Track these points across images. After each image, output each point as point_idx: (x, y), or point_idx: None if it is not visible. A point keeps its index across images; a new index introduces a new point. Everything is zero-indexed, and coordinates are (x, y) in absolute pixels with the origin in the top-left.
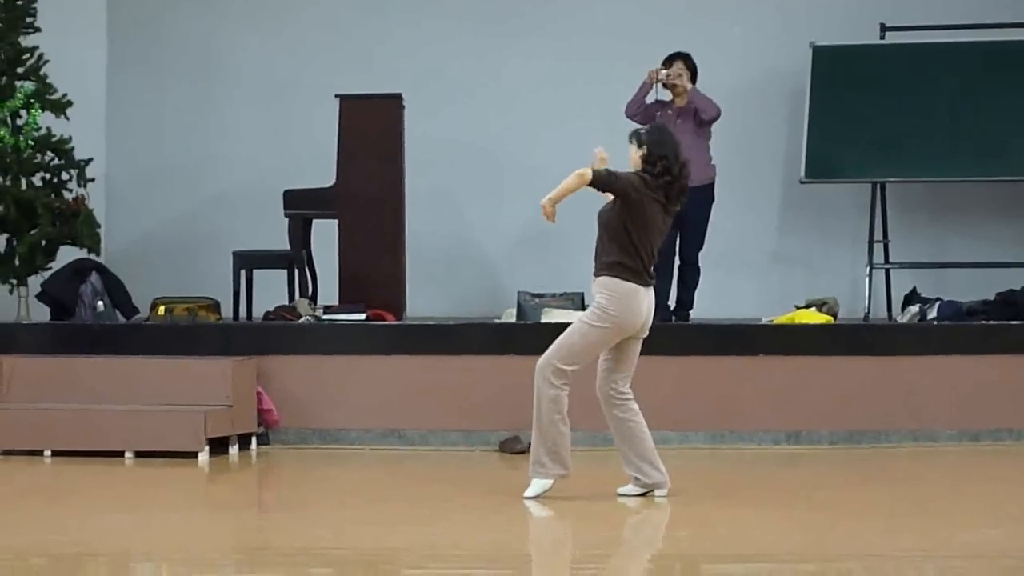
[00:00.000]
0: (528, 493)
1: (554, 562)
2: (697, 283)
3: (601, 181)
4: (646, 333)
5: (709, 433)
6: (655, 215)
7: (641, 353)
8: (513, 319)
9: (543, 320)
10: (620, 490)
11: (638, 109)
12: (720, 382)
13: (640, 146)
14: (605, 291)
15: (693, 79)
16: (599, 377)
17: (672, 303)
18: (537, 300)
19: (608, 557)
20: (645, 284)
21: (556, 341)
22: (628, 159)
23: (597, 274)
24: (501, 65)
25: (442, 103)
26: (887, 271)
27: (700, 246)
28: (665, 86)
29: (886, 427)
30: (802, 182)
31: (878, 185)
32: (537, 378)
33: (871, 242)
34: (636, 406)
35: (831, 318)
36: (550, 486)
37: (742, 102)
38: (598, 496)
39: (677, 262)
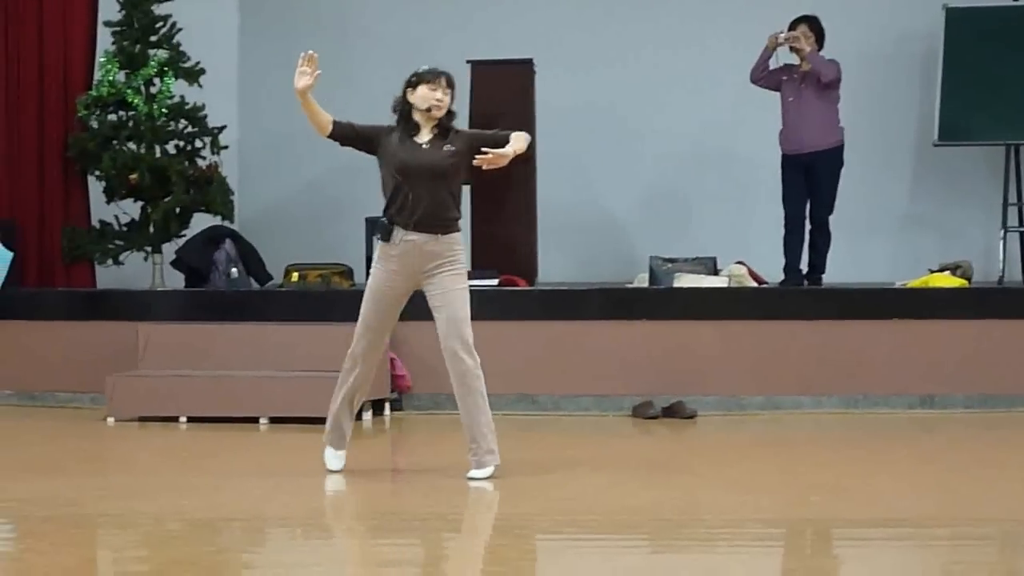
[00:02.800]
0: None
1: (690, 527)
2: (828, 246)
3: None
4: None
5: (842, 398)
6: None
7: (773, 317)
8: (645, 284)
9: (675, 285)
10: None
11: (762, 73)
12: (853, 346)
13: (453, 97)
14: (459, 246)
15: (820, 42)
16: (381, 336)
17: (804, 267)
18: (669, 265)
19: (744, 522)
20: None
21: (463, 316)
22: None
23: (447, 231)
24: (630, 28)
25: (571, 67)
26: (1021, 234)
27: (830, 209)
28: (792, 50)
29: (1022, 391)
30: (935, 145)
31: (1012, 147)
32: (468, 359)
33: (1005, 205)
34: None
35: (965, 282)
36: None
37: (873, 66)
38: (722, 462)
39: (808, 226)
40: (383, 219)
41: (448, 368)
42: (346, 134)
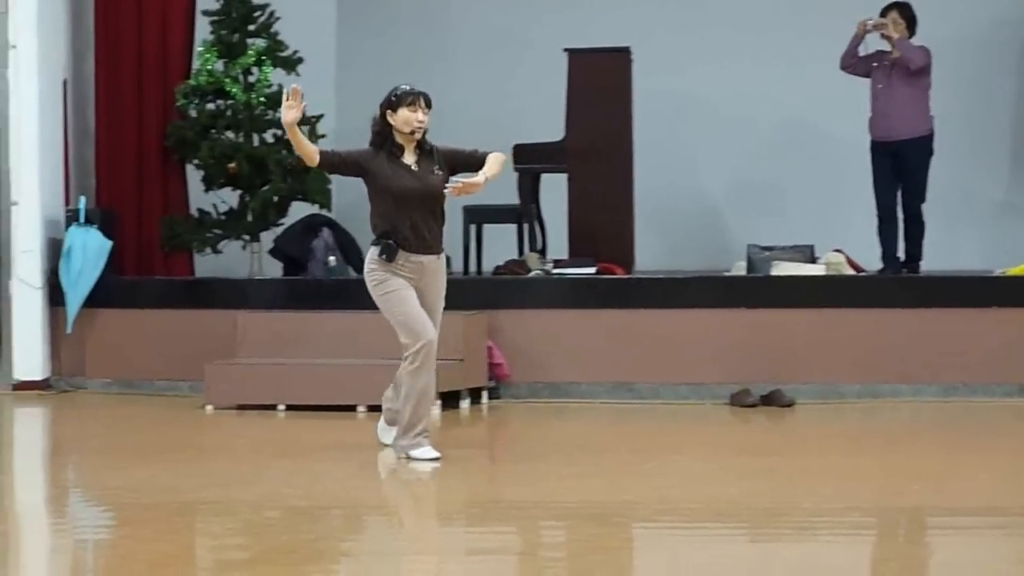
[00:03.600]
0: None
1: (788, 516)
2: (922, 235)
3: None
4: None
5: (941, 386)
6: None
7: (871, 305)
8: (743, 272)
9: (773, 273)
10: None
11: (852, 60)
12: (952, 335)
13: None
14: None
15: (911, 29)
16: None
17: (901, 256)
18: (767, 253)
19: (844, 511)
20: None
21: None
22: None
23: (442, 248)
24: (726, 15)
25: (668, 55)
26: None
27: (922, 199)
28: (882, 36)
29: None
30: None
31: None
32: (432, 356)
33: None
34: None
35: None
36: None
37: (967, 52)
38: (820, 450)
39: (901, 215)
40: (389, 241)
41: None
42: (333, 162)
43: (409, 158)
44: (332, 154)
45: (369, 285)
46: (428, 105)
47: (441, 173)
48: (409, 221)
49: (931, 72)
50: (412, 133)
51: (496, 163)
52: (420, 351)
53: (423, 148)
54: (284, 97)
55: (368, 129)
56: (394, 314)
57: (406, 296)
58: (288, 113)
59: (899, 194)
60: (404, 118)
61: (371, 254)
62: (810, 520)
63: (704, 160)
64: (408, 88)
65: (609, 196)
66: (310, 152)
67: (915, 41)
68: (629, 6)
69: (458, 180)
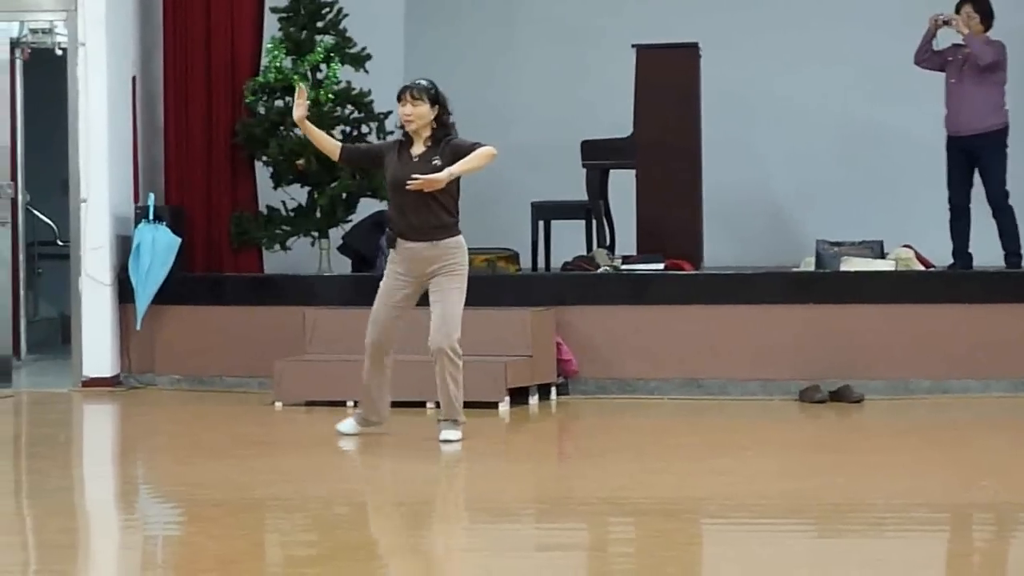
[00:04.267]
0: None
1: (858, 512)
2: (1015, 225)
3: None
4: None
5: (1011, 382)
6: None
7: (940, 301)
8: (812, 267)
9: (842, 268)
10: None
11: (925, 55)
12: (1022, 329)
13: (434, 105)
14: (458, 249)
15: (986, 23)
16: (389, 332)
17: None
18: (836, 248)
19: (914, 506)
20: None
21: (454, 313)
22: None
23: (443, 237)
24: (795, 9)
25: (736, 50)
26: None
27: (1002, 191)
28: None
29: None
30: None
31: None
32: (451, 361)
33: None
34: None
35: None
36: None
37: None
38: (889, 446)
39: (986, 210)
40: (389, 229)
41: (433, 357)
42: (353, 155)
43: (417, 149)
44: (353, 148)
45: None
46: (419, 98)
47: (438, 163)
48: (402, 208)
49: (1006, 67)
50: (409, 126)
51: (474, 159)
52: (366, 348)
53: (436, 140)
54: (296, 96)
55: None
56: None
57: (383, 292)
58: (297, 111)
59: (971, 189)
60: (398, 112)
61: None
62: (880, 516)
63: (772, 155)
64: (406, 83)
65: (677, 192)
66: (331, 147)
67: (992, 34)
68: (699, 2)
69: (419, 176)
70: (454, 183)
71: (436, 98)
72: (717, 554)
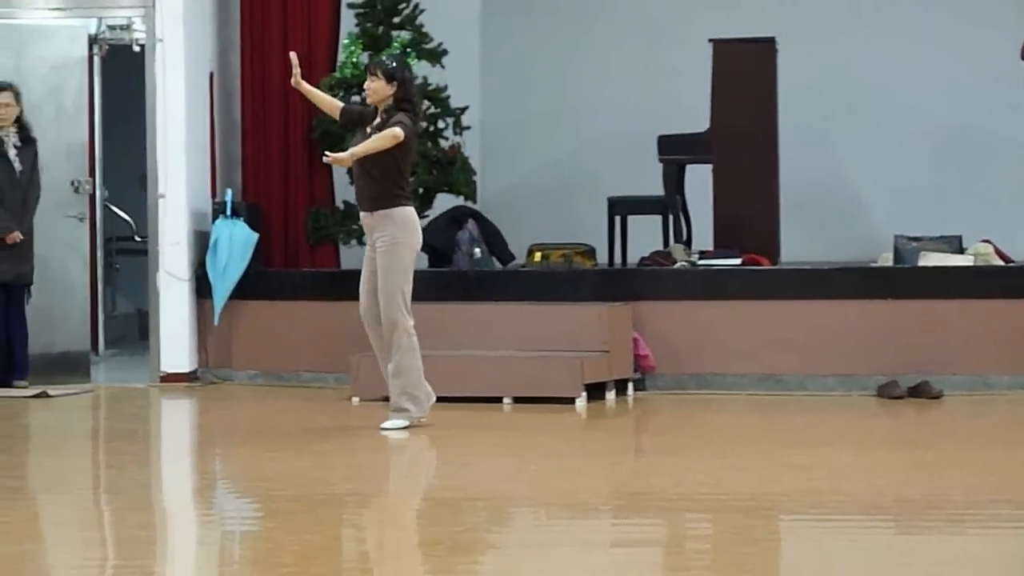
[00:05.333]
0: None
1: (938, 508)
2: None
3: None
4: None
5: None
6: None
7: (1020, 296)
8: (890, 262)
9: (920, 264)
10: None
11: None
12: None
13: (391, 82)
14: (391, 222)
15: None
16: (367, 299)
17: None
18: (914, 243)
19: (996, 503)
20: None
21: (383, 288)
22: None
23: (376, 208)
24: (868, 4)
25: (813, 44)
26: None
27: None
28: None
29: None
30: None
31: None
32: (387, 331)
33: None
34: None
35: None
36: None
37: None
38: (969, 443)
39: None
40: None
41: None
42: (351, 117)
43: (375, 123)
44: (351, 108)
45: None
46: (375, 74)
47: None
48: (352, 177)
49: None
50: (368, 99)
51: (375, 140)
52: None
53: (388, 116)
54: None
55: (511, 120)
56: None
57: (364, 261)
58: (293, 79)
59: None
60: None
61: None
62: (961, 513)
63: (850, 149)
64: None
65: (754, 187)
66: (331, 105)
67: None
68: None
69: (328, 153)
70: (391, 157)
71: (393, 76)
72: (796, 551)
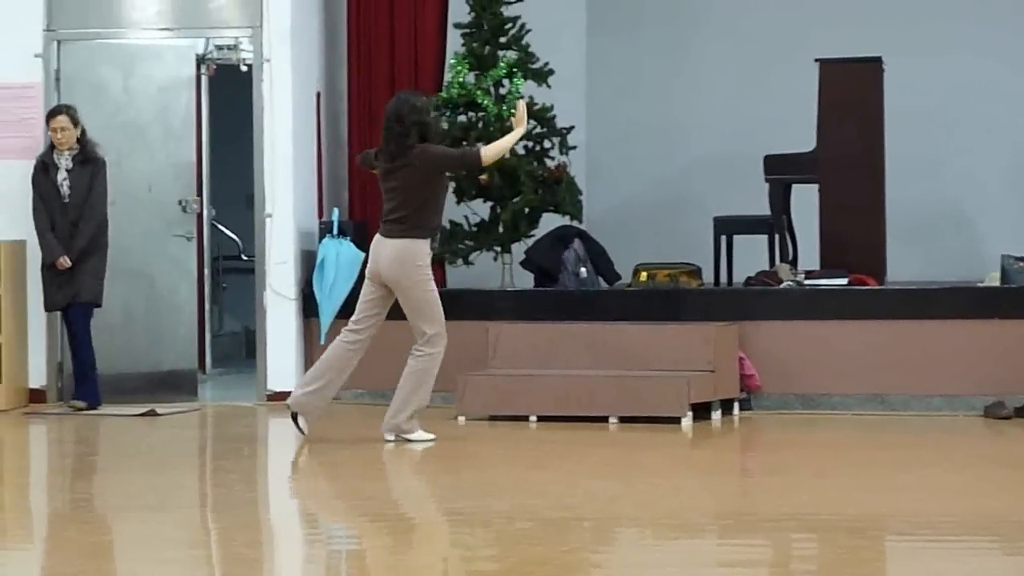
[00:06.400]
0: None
1: None
2: None
3: None
4: (391, 281)
5: None
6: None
7: None
8: (997, 282)
9: None
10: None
11: None
12: None
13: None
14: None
15: None
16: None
17: None
18: (1022, 263)
19: None
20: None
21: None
22: None
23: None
24: (978, 24)
25: (920, 63)
26: None
27: None
28: None
29: None
30: None
31: None
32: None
33: None
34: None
35: None
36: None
37: None
38: None
39: None
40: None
41: None
42: (366, 159)
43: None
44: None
45: None
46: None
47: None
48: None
49: None
50: None
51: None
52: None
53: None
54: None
55: (617, 139)
56: None
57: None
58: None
59: None
60: None
61: None
62: None
63: (957, 168)
64: None
65: (861, 206)
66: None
67: None
68: (883, 16)
69: None
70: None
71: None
72: (903, 572)
